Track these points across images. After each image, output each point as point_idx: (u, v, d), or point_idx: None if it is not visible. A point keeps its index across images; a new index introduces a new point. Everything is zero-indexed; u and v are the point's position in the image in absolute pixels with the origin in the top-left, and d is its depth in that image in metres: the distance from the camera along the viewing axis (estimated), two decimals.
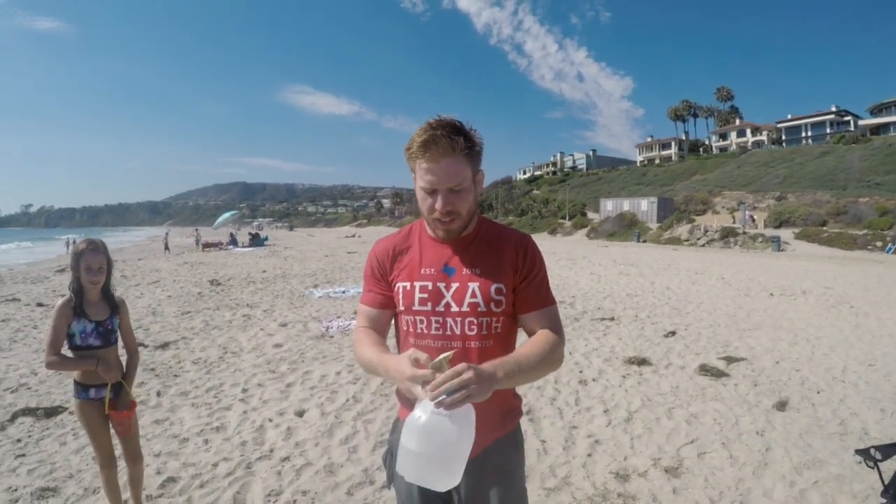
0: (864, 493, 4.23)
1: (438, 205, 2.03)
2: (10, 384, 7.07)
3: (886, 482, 3.56)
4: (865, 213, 44.32)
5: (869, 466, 3.57)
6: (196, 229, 57.48)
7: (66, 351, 3.57)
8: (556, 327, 2.15)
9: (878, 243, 33.50)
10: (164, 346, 9.09)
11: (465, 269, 2.14)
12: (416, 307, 2.15)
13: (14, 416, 5.95)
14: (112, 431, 3.80)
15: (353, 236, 67.92)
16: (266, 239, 50.24)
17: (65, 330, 3.52)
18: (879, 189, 52.17)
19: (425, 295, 2.13)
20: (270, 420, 5.89)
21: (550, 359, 2.04)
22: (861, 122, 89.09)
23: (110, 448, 3.77)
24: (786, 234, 39.71)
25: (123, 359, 3.88)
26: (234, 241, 43.40)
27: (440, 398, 1.65)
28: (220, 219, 54.51)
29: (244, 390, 6.84)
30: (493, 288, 2.10)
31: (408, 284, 2.17)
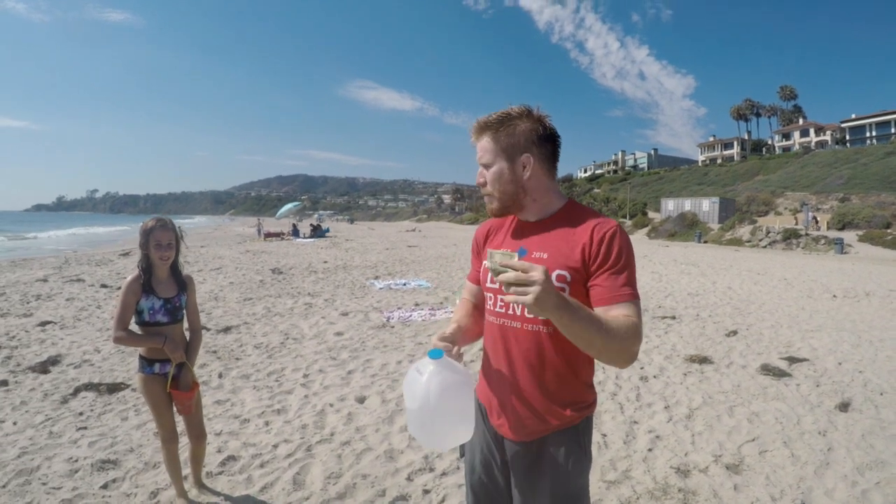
0: None
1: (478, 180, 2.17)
2: (74, 360, 7.31)
3: None
4: None
5: None
6: (259, 219, 58.26)
7: (133, 327, 3.65)
8: (635, 320, 1.91)
9: None
10: (227, 330, 9.26)
11: (535, 252, 2.11)
12: (488, 284, 2.22)
13: (77, 391, 6.14)
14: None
15: (414, 231, 68.01)
16: (327, 230, 50.69)
17: (133, 306, 3.60)
18: None
19: None
20: (331, 405, 5.95)
21: (621, 341, 1.82)
22: None
23: (173, 423, 3.85)
24: (849, 236, 38.95)
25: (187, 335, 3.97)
26: (296, 232, 43.80)
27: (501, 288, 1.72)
28: (283, 209, 55.23)
29: (305, 375, 6.93)
30: (554, 274, 2.01)
31: (487, 263, 2.19)
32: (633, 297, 1.96)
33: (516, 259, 1.69)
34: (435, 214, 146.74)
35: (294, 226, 46.73)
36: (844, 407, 6.08)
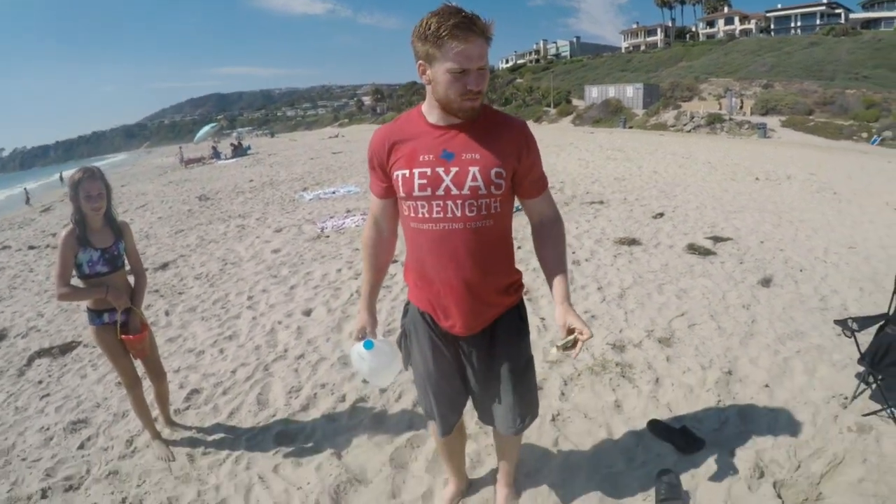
0: (843, 363, 4.50)
1: (472, 84, 2.04)
2: (20, 330, 6.99)
3: (863, 350, 3.85)
4: (852, 105, 43.75)
5: (847, 336, 3.85)
6: (180, 147, 56.44)
7: (75, 281, 3.61)
8: (554, 208, 2.44)
9: (864, 134, 33.49)
10: (164, 266, 9.17)
11: (464, 154, 2.17)
12: (417, 193, 2.20)
13: (30, 360, 5.94)
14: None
15: (337, 136, 66.57)
16: (248, 148, 49.44)
17: (72, 261, 3.54)
18: (867, 82, 51.42)
19: (424, 181, 2.18)
20: (280, 322, 6.10)
21: (565, 241, 2.43)
22: (852, 16, 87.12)
23: (133, 369, 3.88)
24: (772, 121, 39.45)
25: (131, 280, 3.96)
26: (216, 154, 42.61)
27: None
28: (200, 133, 53.68)
29: (250, 298, 7.03)
30: (493, 172, 2.15)
31: (406, 172, 2.21)
32: (548, 182, 2.44)
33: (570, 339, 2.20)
34: (356, 118, 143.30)
35: (214, 148, 45.46)
36: (766, 283, 6.47)
